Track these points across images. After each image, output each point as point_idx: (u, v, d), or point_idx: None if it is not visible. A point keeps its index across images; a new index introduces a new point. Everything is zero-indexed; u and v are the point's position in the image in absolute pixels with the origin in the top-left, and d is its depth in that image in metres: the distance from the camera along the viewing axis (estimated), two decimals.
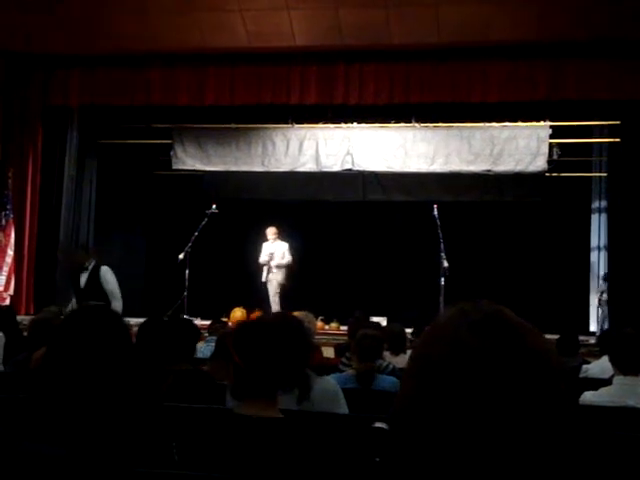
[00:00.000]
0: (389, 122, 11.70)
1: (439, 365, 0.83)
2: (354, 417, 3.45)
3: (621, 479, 2.63)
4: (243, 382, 2.35)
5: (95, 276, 8.28)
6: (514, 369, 0.81)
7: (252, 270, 12.83)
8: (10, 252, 11.24)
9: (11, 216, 11.34)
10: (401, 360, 5.40)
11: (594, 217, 12.31)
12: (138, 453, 2.09)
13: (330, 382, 3.71)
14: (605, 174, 12.06)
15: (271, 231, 11.85)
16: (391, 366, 4.89)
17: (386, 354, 5.53)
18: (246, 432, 2.27)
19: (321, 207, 13.18)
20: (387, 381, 4.43)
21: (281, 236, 11.93)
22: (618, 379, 4.03)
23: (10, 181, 11.40)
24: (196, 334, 4.59)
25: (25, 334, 6.54)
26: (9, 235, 11.30)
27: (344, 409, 3.61)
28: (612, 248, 11.44)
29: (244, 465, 2.23)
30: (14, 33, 10.73)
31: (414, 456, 0.82)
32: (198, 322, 11.04)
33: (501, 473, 0.78)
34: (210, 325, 7.97)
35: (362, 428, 3.17)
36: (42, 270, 11.49)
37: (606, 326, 11.01)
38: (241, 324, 2.55)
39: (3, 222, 11.31)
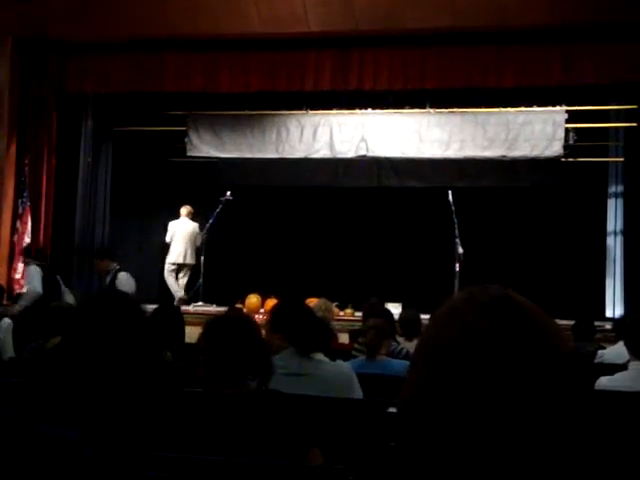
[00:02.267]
0: (403, 108, 11.65)
1: (448, 348, 0.83)
2: (368, 402, 3.46)
3: (636, 463, 2.62)
4: (214, 372, 2.63)
5: (114, 280, 9.63)
6: (523, 351, 0.81)
7: (267, 256, 12.87)
8: (27, 239, 11.30)
9: (28, 204, 11.40)
10: (413, 345, 5.42)
11: (610, 202, 12.22)
12: (153, 437, 2.11)
13: (344, 366, 3.73)
14: (622, 159, 11.96)
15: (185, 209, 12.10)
16: (405, 350, 4.91)
17: (400, 339, 5.55)
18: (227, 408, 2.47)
19: (335, 193, 13.16)
20: (401, 365, 4.44)
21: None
22: (634, 364, 4.02)
23: (27, 169, 11.45)
24: (180, 322, 4.79)
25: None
26: (26, 223, 11.35)
27: (359, 393, 3.63)
28: (628, 233, 11.37)
29: (224, 441, 2.31)
30: (28, 20, 10.76)
31: (424, 441, 0.82)
32: (214, 309, 11.16)
33: (513, 457, 0.78)
34: (226, 312, 7.99)
35: (376, 413, 3.17)
36: (58, 258, 11.55)
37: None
38: (208, 323, 2.83)
39: (20, 210, 11.37)
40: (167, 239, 12.01)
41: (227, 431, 2.37)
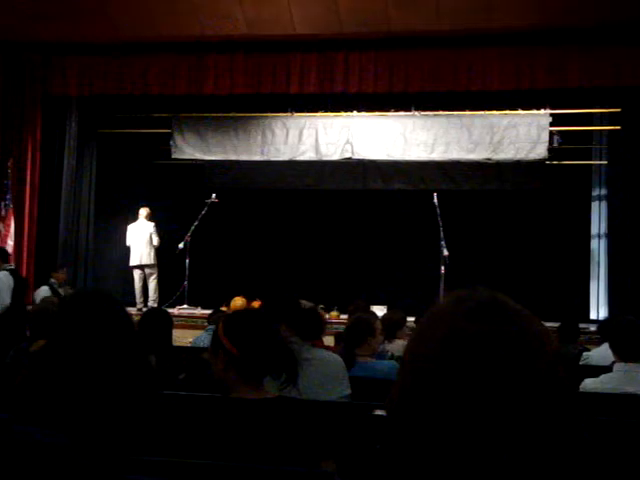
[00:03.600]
0: (389, 110, 11.67)
1: (436, 352, 0.82)
2: (353, 405, 3.46)
3: (621, 465, 2.63)
4: (235, 369, 2.40)
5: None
6: (510, 354, 0.80)
7: (252, 259, 12.84)
8: (10, 242, 11.22)
9: (11, 206, 11.33)
10: (395, 347, 5.41)
11: (594, 205, 12.29)
12: (136, 440, 2.09)
13: (338, 359, 3.87)
14: (605, 162, 12.04)
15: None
16: (388, 352, 4.91)
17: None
18: (245, 414, 2.31)
19: (321, 196, 13.17)
20: (385, 367, 4.43)
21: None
22: (618, 366, 4.03)
23: (10, 171, 11.38)
24: (169, 322, 4.74)
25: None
26: (9, 225, 11.28)
27: (348, 388, 3.74)
28: (612, 236, 11.44)
29: (239, 447, 2.24)
30: (13, 21, 10.69)
31: (411, 443, 0.81)
32: (198, 311, 11.13)
33: (499, 458, 0.78)
34: (210, 314, 7.98)
35: (361, 415, 3.17)
36: (42, 260, 11.48)
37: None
38: (232, 314, 2.65)
39: (3, 212, 11.30)
40: (127, 243, 11.98)
41: (245, 438, 2.28)
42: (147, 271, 11.90)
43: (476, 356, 0.80)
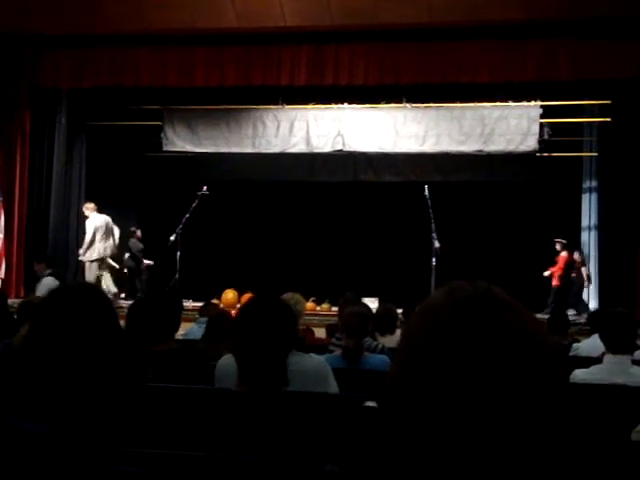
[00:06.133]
0: (380, 102, 11.67)
1: (425, 344, 0.82)
2: (344, 397, 3.46)
3: (609, 456, 2.65)
4: (248, 364, 2.39)
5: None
6: (500, 348, 0.80)
7: (244, 251, 12.83)
8: (0, 235, 11.18)
9: (1, 199, 11.28)
10: (389, 340, 5.40)
11: (585, 197, 12.32)
12: (122, 433, 2.08)
13: (320, 360, 3.71)
14: (596, 154, 12.06)
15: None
16: (381, 345, 4.89)
17: (376, 334, 5.53)
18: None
19: (312, 188, 13.16)
20: (377, 359, 4.43)
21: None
22: (608, 357, 4.05)
23: None
24: (179, 307, 4.58)
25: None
26: None
27: (334, 388, 3.62)
28: (603, 228, 11.47)
29: (237, 440, 2.24)
30: (2, 13, 10.61)
31: (402, 436, 0.82)
32: (190, 304, 11.11)
33: (490, 453, 0.78)
34: (202, 307, 7.96)
35: (352, 407, 3.17)
36: (32, 253, 11.44)
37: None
38: (249, 307, 2.58)
39: None
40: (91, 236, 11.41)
41: (236, 431, 2.26)
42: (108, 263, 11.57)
43: (464, 349, 0.80)
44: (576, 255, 11.84)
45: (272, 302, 2.56)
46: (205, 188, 11.68)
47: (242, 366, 2.42)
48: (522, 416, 0.79)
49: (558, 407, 0.82)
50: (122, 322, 3.13)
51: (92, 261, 11.14)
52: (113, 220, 11.83)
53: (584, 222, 12.29)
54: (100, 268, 11.23)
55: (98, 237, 11.15)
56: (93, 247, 11.14)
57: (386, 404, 0.85)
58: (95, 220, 11.18)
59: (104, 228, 11.23)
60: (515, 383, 0.79)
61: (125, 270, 12.57)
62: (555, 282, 11.80)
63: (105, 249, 11.25)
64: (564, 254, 11.83)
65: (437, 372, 0.80)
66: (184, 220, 11.46)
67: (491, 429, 0.78)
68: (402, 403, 0.82)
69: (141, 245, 12.69)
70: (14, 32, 11.07)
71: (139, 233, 12.79)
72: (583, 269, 11.78)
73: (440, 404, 0.79)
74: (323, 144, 11.81)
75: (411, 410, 0.80)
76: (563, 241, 11.92)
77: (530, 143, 11.26)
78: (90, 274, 11.09)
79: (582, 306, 11.48)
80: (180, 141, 12.29)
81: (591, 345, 5.49)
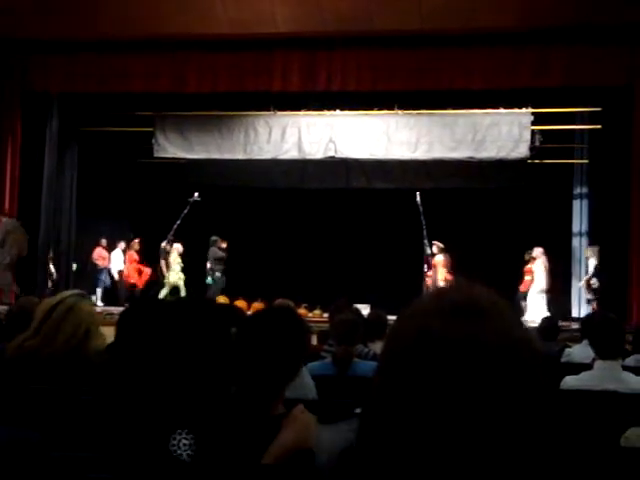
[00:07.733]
0: (372, 109, 11.68)
1: (405, 351, 0.81)
2: (335, 403, 3.45)
3: (599, 462, 2.65)
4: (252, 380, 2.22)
5: None
6: (484, 355, 0.79)
7: (234, 258, 12.81)
8: None
9: None
10: (379, 346, 5.39)
11: (576, 203, 12.37)
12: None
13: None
14: (586, 161, 12.10)
15: None
16: (372, 352, 4.89)
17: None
18: None
19: (304, 194, 13.15)
20: (367, 366, 4.42)
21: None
22: (598, 363, 4.05)
23: None
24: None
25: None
26: None
27: (313, 394, 3.64)
28: (593, 234, 11.51)
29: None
30: None
31: (383, 441, 0.81)
32: None
33: (474, 460, 0.77)
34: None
35: (343, 414, 3.16)
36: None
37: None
38: (255, 316, 2.44)
39: None
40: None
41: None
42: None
43: (444, 357, 0.79)
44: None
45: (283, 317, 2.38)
46: (197, 194, 11.67)
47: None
48: (507, 423, 0.78)
49: (546, 414, 0.81)
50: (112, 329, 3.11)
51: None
52: (104, 226, 11.82)
53: (575, 228, 12.33)
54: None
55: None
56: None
57: (368, 409, 0.84)
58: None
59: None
60: (498, 390, 0.78)
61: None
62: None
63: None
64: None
65: (416, 379, 0.79)
66: (175, 226, 11.45)
67: (475, 436, 0.77)
68: (381, 409, 0.81)
69: (222, 254, 12.39)
70: (4, 36, 11.04)
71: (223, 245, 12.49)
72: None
73: (418, 411, 0.78)
74: (315, 150, 11.81)
75: (390, 416, 0.80)
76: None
77: (521, 150, 11.29)
78: None
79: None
80: (172, 147, 12.27)
81: (583, 351, 5.50)
